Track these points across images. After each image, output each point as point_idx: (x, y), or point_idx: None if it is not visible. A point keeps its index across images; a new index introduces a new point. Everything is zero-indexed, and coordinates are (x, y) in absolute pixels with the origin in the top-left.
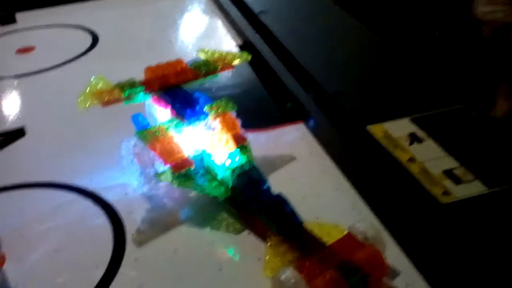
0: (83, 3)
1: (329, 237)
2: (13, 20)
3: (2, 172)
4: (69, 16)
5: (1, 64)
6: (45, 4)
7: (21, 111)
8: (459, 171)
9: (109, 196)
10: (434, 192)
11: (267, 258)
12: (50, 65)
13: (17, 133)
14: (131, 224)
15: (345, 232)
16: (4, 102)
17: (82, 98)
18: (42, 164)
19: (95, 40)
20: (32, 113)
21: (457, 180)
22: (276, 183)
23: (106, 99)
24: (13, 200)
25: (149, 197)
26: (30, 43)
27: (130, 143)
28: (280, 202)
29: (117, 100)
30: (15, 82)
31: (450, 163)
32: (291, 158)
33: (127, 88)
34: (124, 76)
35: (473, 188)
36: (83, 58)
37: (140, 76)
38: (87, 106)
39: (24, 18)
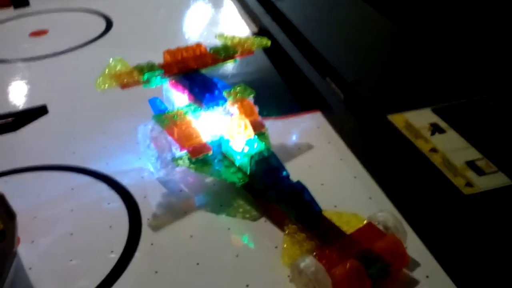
0: None
1: (349, 226)
2: (26, 3)
3: (18, 154)
4: (83, 0)
5: (14, 47)
6: None
7: (35, 93)
8: (482, 163)
9: (125, 180)
10: (457, 183)
11: (284, 246)
12: (64, 48)
13: (40, 111)
14: (147, 209)
15: (365, 221)
16: (18, 84)
17: (100, 79)
18: (58, 146)
19: (109, 25)
20: (46, 95)
21: (480, 172)
22: (294, 171)
23: (125, 81)
24: (29, 182)
25: (165, 182)
26: (43, 26)
27: (147, 127)
28: (299, 190)
29: (136, 83)
30: (29, 64)
31: (472, 154)
32: (308, 147)
33: (146, 70)
34: (137, 60)
35: (496, 179)
36: (96, 43)
37: (156, 61)
38: (105, 87)
39: (37, 1)
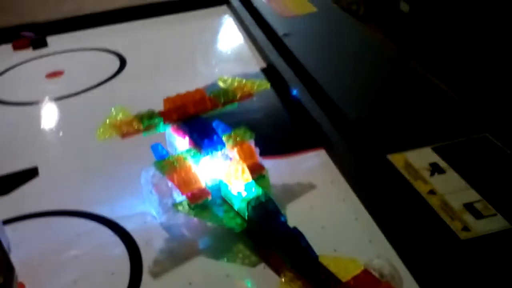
0: (110, 26)
1: (346, 272)
2: (44, 44)
3: (25, 200)
4: (98, 39)
5: (31, 89)
6: (75, 28)
7: (44, 137)
8: (480, 205)
9: (128, 225)
10: (454, 227)
11: None
12: (78, 90)
13: (30, 173)
14: (148, 254)
15: (363, 267)
16: (29, 127)
17: (101, 130)
18: (63, 192)
19: (122, 63)
20: (55, 139)
21: (478, 215)
22: (295, 212)
23: (125, 131)
24: (35, 228)
25: (167, 227)
26: (59, 67)
27: (149, 173)
28: (296, 236)
29: (136, 132)
30: (43, 107)
31: (471, 196)
32: (310, 186)
33: (145, 119)
34: (150, 100)
35: (494, 223)
36: (110, 82)
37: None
38: (106, 137)
39: (55, 41)
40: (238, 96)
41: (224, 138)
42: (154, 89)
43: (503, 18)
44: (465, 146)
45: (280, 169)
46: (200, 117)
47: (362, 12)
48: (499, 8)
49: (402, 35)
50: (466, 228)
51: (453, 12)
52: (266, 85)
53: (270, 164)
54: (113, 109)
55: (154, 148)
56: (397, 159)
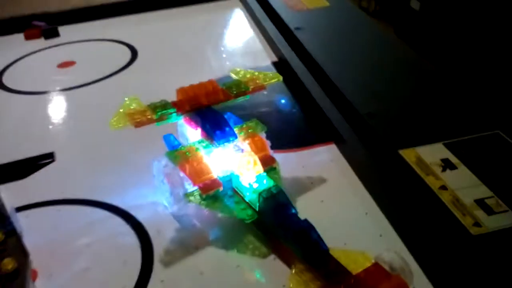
0: (122, 17)
1: (356, 265)
2: (56, 34)
3: (38, 188)
4: (110, 30)
5: (42, 79)
6: (87, 18)
7: (58, 127)
8: (492, 201)
9: (140, 215)
10: (465, 222)
11: (291, 285)
12: (89, 80)
13: (45, 157)
14: (160, 244)
15: (372, 261)
16: (42, 117)
17: (115, 119)
18: (75, 181)
19: (134, 54)
20: (68, 129)
21: (489, 211)
22: (305, 206)
23: (138, 120)
24: (48, 216)
25: (178, 217)
26: (71, 57)
27: (161, 163)
28: (306, 228)
29: (149, 121)
30: (55, 96)
31: (483, 192)
32: (321, 180)
33: (159, 109)
34: (161, 91)
35: (505, 219)
36: (122, 73)
37: (174, 93)
38: (119, 127)
39: (66, 31)
40: (251, 88)
41: (236, 130)
42: (166, 80)
43: None
44: (476, 143)
45: (290, 163)
46: (212, 108)
47: (372, 9)
48: (509, 5)
49: (412, 33)
50: (477, 224)
51: (463, 10)
52: (279, 77)
53: (281, 158)
54: (126, 98)
55: (166, 138)
56: (408, 154)
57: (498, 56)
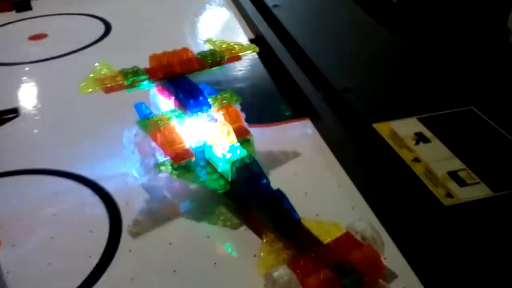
0: None
1: (328, 236)
2: (28, 7)
3: (2, 157)
4: (84, 5)
5: (13, 50)
6: None
7: (27, 96)
8: (464, 173)
9: (108, 186)
10: (437, 193)
11: (261, 255)
12: (61, 52)
13: (9, 112)
14: (128, 215)
15: (344, 231)
16: (11, 87)
17: (84, 83)
18: (43, 150)
19: (107, 29)
20: (38, 99)
21: (461, 182)
22: (278, 178)
23: (108, 85)
24: (13, 185)
25: (148, 188)
26: (43, 30)
27: (132, 132)
28: (279, 197)
29: (120, 87)
30: (26, 68)
31: (455, 164)
32: (295, 154)
33: (130, 75)
34: (133, 63)
35: (477, 191)
36: (94, 47)
37: (146, 65)
38: (88, 91)
39: (39, 5)
40: (226, 58)
41: (210, 101)
42: (139, 53)
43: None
44: (451, 118)
45: (265, 137)
46: (186, 77)
47: None
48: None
49: (390, 24)
50: (449, 195)
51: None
52: (255, 48)
53: (255, 132)
54: (97, 63)
55: (138, 107)
56: (382, 128)
57: (473, 36)
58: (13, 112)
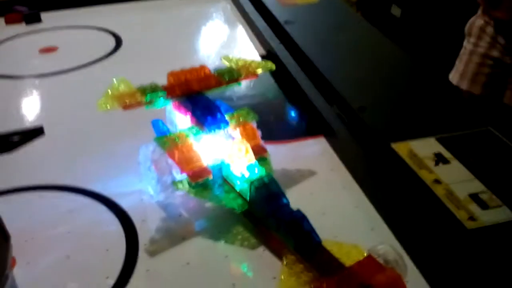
0: (108, 6)
1: (348, 258)
2: (38, 20)
3: (19, 172)
4: (94, 18)
5: (24, 63)
6: (70, 5)
7: (41, 111)
8: (486, 196)
9: (124, 203)
10: (460, 216)
11: (282, 277)
12: (72, 66)
13: (36, 132)
14: (145, 233)
15: (365, 254)
16: (24, 101)
17: (103, 99)
18: (58, 166)
19: (118, 43)
20: (51, 114)
21: (483, 205)
22: (295, 198)
23: (127, 102)
24: (28, 201)
25: (165, 206)
26: (53, 43)
27: (149, 149)
28: (299, 219)
29: (138, 104)
30: (37, 81)
31: (476, 186)
32: (311, 173)
33: (148, 92)
34: (146, 80)
35: (499, 214)
36: (105, 61)
37: (162, 80)
38: (107, 108)
39: (49, 18)
40: (243, 75)
41: (226, 118)
42: (153, 67)
43: None
44: (468, 138)
45: (280, 155)
46: (203, 95)
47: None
48: None
49: (393, 39)
50: (472, 218)
51: (443, 16)
52: (272, 66)
53: (270, 150)
54: (115, 80)
55: (155, 124)
56: (401, 148)
57: None
58: (40, 132)
